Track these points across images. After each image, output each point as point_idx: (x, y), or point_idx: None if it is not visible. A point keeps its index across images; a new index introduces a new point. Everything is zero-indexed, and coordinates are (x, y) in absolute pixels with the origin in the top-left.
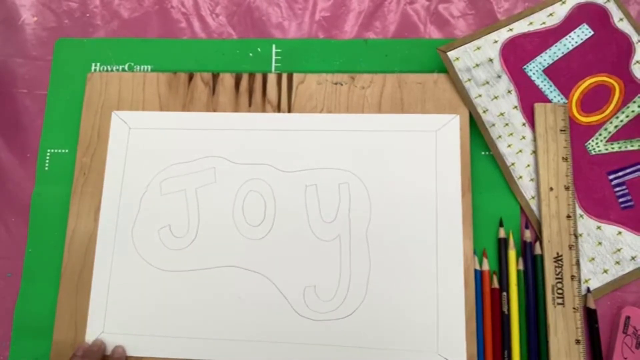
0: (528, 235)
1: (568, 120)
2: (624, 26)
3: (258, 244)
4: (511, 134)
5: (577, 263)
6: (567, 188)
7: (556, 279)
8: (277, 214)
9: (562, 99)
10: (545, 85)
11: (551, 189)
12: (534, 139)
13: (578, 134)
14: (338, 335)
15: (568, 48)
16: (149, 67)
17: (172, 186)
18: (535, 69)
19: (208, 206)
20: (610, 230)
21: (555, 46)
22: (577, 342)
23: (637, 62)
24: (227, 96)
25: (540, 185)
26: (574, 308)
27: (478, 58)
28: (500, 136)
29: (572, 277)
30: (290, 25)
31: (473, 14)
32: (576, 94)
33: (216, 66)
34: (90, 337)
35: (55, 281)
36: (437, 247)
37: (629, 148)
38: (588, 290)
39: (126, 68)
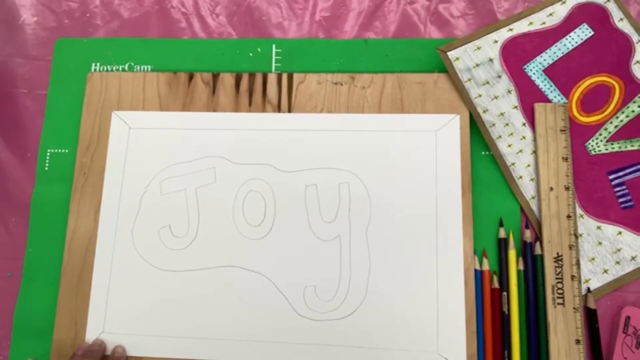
0: (528, 235)
1: (568, 120)
2: (624, 26)
3: (258, 244)
4: (511, 134)
5: (577, 263)
6: (567, 188)
7: (556, 279)
8: (277, 214)
9: (562, 99)
10: (545, 85)
11: (551, 189)
12: (534, 139)
13: (578, 134)
14: (338, 335)
15: (568, 48)
16: (149, 67)
17: (172, 186)
18: (535, 69)
19: (208, 206)
20: (610, 230)
21: (555, 46)
22: (577, 342)
23: (637, 62)
24: (227, 96)
25: (540, 185)
26: (574, 308)
27: (478, 58)
28: (500, 136)
29: (572, 277)
30: (290, 25)
31: (473, 14)
32: (576, 94)
33: (216, 66)
34: (90, 337)
35: (55, 281)
36: (437, 246)
37: (629, 148)
38: (588, 290)
39: (126, 68)
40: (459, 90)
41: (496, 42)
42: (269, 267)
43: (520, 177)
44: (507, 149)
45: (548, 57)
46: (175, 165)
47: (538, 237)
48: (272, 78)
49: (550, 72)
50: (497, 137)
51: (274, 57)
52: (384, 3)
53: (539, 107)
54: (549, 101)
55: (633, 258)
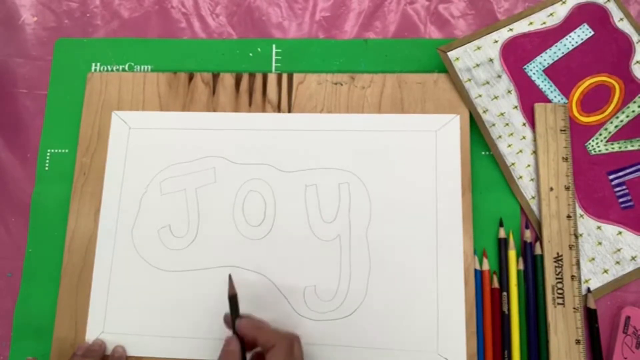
0: (528, 235)
1: (568, 120)
2: (624, 26)
3: (258, 244)
4: (511, 134)
5: (577, 263)
6: (567, 188)
7: (556, 279)
8: (277, 214)
9: (562, 99)
10: (545, 85)
11: (551, 189)
12: (534, 139)
13: (578, 134)
14: (338, 335)
15: (568, 48)
16: (149, 67)
17: (172, 186)
18: (535, 69)
19: (208, 206)
20: (610, 230)
21: (556, 46)
22: (577, 342)
23: (637, 62)
24: (227, 96)
25: (540, 185)
26: (574, 308)
27: (478, 58)
28: (500, 136)
29: (572, 277)
30: (290, 25)
31: (473, 14)
32: (576, 94)
33: (216, 66)
34: (90, 337)
35: (55, 281)
36: (437, 246)
37: (629, 148)
38: (588, 290)
39: (126, 68)
40: (459, 90)
41: (496, 42)
42: (269, 267)
43: (520, 177)
44: (507, 149)
45: (548, 57)
46: (175, 165)
47: (538, 237)
48: (272, 78)
49: (550, 72)
50: (497, 137)
51: (274, 57)
52: (384, 3)
53: (539, 107)
54: (549, 101)
55: (633, 258)
